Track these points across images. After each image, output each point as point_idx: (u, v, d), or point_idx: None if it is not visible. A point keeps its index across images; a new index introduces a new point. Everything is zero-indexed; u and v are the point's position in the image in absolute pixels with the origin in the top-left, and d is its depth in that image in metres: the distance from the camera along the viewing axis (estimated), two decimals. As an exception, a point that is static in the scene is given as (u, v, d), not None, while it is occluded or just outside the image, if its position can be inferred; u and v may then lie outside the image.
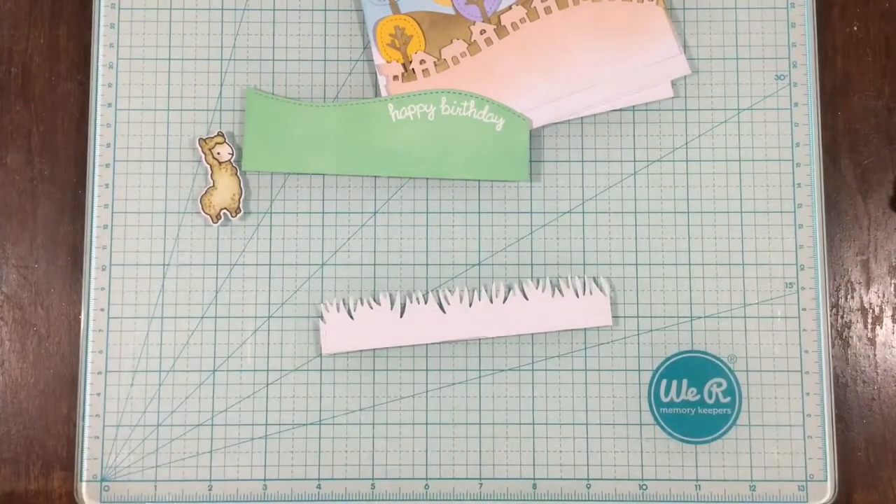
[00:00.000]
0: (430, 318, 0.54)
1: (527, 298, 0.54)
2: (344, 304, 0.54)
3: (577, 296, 0.53)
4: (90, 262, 0.54)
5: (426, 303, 0.54)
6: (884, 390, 0.55)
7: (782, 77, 0.56)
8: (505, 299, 0.54)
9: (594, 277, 0.54)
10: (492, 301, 0.54)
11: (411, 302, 0.54)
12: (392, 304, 0.54)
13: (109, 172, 0.55)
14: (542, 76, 0.55)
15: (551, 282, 0.54)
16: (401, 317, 0.54)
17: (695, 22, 0.56)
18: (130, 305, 0.54)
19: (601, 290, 0.54)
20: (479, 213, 0.55)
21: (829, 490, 0.53)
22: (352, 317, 0.54)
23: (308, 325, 0.54)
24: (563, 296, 0.53)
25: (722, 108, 0.56)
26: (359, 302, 0.54)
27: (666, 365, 0.54)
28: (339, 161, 0.55)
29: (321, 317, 0.54)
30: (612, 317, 0.54)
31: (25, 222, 0.56)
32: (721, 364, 0.54)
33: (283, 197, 0.55)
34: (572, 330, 0.54)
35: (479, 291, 0.54)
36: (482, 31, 0.55)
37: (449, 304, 0.54)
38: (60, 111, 0.57)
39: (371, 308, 0.54)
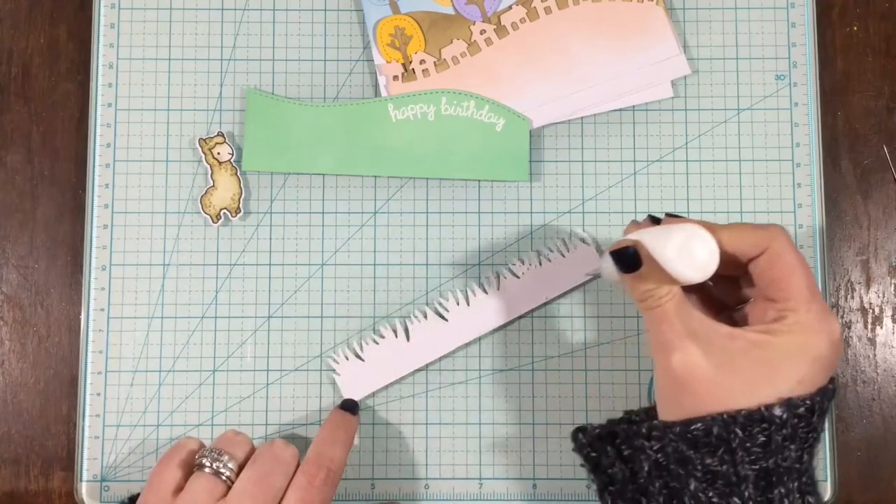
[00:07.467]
0: (435, 332, 0.53)
1: (518, 277, 0.54)
2: (349, 348, 0.54)
3: (563, 256, 0.54)
4: (90, 262, 0.54)
5: (426, 318, 0.54)
6: (884, 390, 0.55)
7: (782, 77, 0.56)
8: (498, 286, 0.54)
9: (573, 232, 0.54)
10: (486, 292, 0.54)
11: (412, 323, 0.54)
12: (395, 332, 0.54)
13: (109, 172, 0.55)
14: (542, 76, 0.55)
15: (536, 252, 0.54)
16: (407, 341, 0.53)
17: (695, 22, 0.56)
18: (130, 305, 0.54)
19: (584, 241, 0.54)
20: (479, 213, 0.55)
21: (828, 490, 0.53)
22: (361, 359, 0.54)
23: (308, 325, 0.54)
24: (550, 262, 0.54)
25: (722, 108, 0.55)
26: (363, 342, 0.54)
27: (666, 365, 0.54)
28: (339, 161, 0.55)
29: (333, 370, 0.54)
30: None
31: (25, 222, 0.56)
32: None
33: (283, 197, 0.55)
34: (572, 290, 0.54)
35: (472, 287, 0.54)
36: (482, 31, 0.55)
37: (447, 310, 0.54)
38: (60, 111, 0.57)
39: (377, 343, 0.53)
